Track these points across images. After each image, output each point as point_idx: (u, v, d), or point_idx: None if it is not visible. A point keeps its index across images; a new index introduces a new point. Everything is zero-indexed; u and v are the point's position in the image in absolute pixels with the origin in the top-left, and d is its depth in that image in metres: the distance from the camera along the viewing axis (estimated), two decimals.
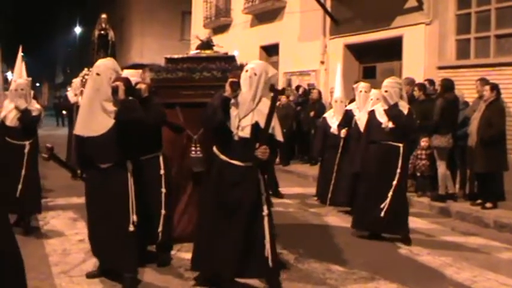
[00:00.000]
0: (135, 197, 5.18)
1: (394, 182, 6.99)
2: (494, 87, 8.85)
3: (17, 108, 7.11)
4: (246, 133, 4.83)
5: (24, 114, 7.11)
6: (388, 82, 7.22)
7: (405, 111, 7.11)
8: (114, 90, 5.03)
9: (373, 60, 14.71)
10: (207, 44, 7.18)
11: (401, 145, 7.07)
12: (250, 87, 4.88)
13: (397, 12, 13.08)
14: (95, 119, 5.11)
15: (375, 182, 7.16)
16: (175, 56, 7.01)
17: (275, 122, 4.87)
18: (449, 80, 9.78)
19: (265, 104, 4.85)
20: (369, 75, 14.92)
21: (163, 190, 5.80)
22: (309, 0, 15.53)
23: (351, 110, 8.80)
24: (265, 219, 4.87)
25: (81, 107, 5.42)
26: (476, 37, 11.43)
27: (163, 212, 5.78)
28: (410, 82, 10.30)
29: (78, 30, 52.37)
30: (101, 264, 5.44)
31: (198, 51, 7.10)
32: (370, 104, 7.76)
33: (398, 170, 7.02)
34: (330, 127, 9.17)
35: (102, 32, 15.49)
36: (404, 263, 6.32)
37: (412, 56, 12.72)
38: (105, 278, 5.38)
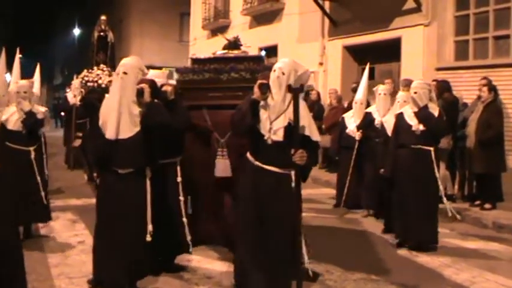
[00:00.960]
0: (152, 206, 4.92)
1: (441, 187, 6.97)
2: (492, 88, 8.87)
3: (21, 110, 6.75)
4: (279, 136, 4.53)
5: (28, 117, 6.74)
6: (417, 83, 7.08)
7: (435, 113, 6.94)
8: (140, 93, 4.79)
9: (372, 61, 14.71)
10: (234, 44, 6.87)
11: (431, 149, 6.91)
12: (280, 87, 4.55)
13: (396, 13, 13.11)
14: (123, 121, 4.81)
15: (408, 189, 6.89)
16: (202, 56, 6.76)
17: (309, 122, 4.62)
18: (444, 82, 9.81)
19: (301, 106, 4.50)
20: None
21: (182, 198, 5.61)
22: (308, 1, 15.56)
23: (370, 113, 8.68)
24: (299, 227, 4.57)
25: (110, 107, 4.88)
26: (474, 38, 11.47)
27: (185, 220, 5.60)
28: (409, 83, 10.28)
29: (77, 31, 52.32)
30: (96, 279, 5.06)
31: (225, 51, 6.78)
32: (398, 106, 7.55)
33: (437, 175, 6.92)
34: (346, 127, 9.01)
35: (102, 33, 15.50)
36: (403, 264, 6.32)
37: (411, 57, 12.75)
38: None
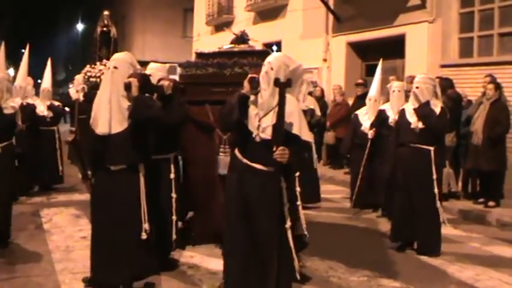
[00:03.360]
0: (147, 204, 4.81)
1: (435, 190, 6.48)
2: (498, 87, 8.84)
3: None
4: (267, 134, 4.30)
5: None
6: (420, 78, 6.69)
7: (437, 111, 6.53)
8: (127, 87, 4.67)
9: (376, 58, 14.67)
10: (241, 38, 6.74)
11: (431, 148, 6.49)
12: (268, 83, 4.33)
13: (400, 10, 13.06)
14: (114, 116, 4.72)
15: (406, 190, 6.60)
16: (206, 51, 6.64)
17: (300, 120, 4.36)
18: (446, 79, 9.79)
19: (289, 103, 4.31)
20: (372, 73, 14.89)
21: (174, 195, 5.56)
22: None
23: (384, 110, 8.27)
24: (289, 233, 4.38)
25: (101, 103, 4.83)
26: (479, 35, 11.43)
27: (174, 218, 5.56)
28: (413, 80, 10.26)
29: (80, 27, 52.33)
30: (94, 280, 4.98)
31: (232, 45, 6.68)
32: (395, 97, 7.20)
33: (435, 176, 6.48)
34: (360, 125, 8.68)
35: (105, 28, 15.48)
36: (407, 261, 6.31)
37: (415, 54, 12.71)
38: None
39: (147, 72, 5.71)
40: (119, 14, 31.14)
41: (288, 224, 4.36)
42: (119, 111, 4.72)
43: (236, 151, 4.53)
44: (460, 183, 9.71)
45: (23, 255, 6.12)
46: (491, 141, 8.68)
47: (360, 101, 12.25)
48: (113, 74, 4.79)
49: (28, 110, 8.38)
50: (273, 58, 4.43)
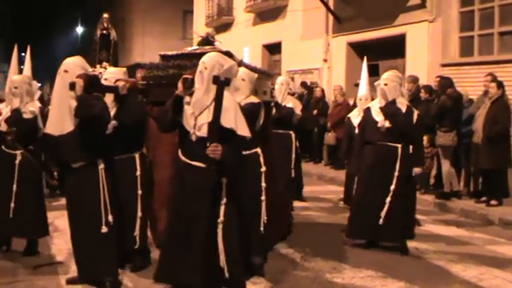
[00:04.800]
0: (109, 197, 5.02)
1: (392, 187, 6.34)
2: (500, 85, 8.84)
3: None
4: (203, 132, 4.41)
5: (12, 116, 6.11)
6: (388, 75, 6.57)
7: (403, 109, 6.45)
8: (72, 86, 4.86)
9: (377, 58, 14.69)
10: (206, 40, 6.87)
11: (399, 146, 6.39)
12: (202, 82, 4.46)
13: (400, 9, 13.06)
14: (64, 116, 4.95)
15: (372, 187, 6.50)
16: (169, 53, 6.73)
17: (236, 116, 4.45)
18: (446, 78, 9.79)
19: (225, 99, 4.40)
20: (372, 73, 14.88)
21: (139, 192, 5.58)
22: None
23: (369, 108, 7.96)
24: (219, 227, 4.42)
25: (51, 105, 5.24)
26: (479, 34, 11.42)
27: (139, 214, 5.57)
28: (414, 80, 10.27)
29: (79, 30, 52.37)
30: (80, 274, 5.18)
31: (197, 47, 6.82)
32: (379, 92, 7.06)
33: (396, 173, 6.35)
34: (354, 128, 8.25)
35: (104, 31, 15.43)
36: (410, 261, 6.30)
37: (416, 53, 12.71)
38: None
39: (105, 77, 5.83)
40: (118, 16, 31.15)
41: (221, 218, 4.43)
42: (70, 112, 4.92)
43: (178, 151, 4.65)
44: (462, 183, 9.70)
45: (26, 258, 6.10)
46: (490, 139, 8.66)
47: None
48: (63, 78, 5.01)
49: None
50: (206, 57, 4.56)
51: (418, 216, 7.94)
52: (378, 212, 6.39)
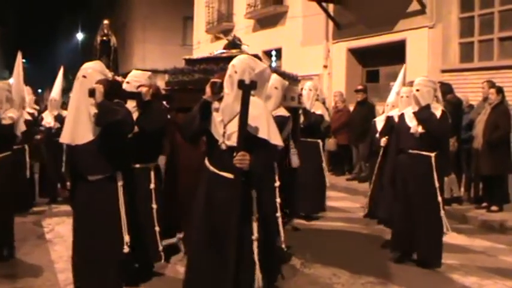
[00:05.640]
0: (127, 214, 4.63)
1: (439, 199, 6.17)
2: (500, 90, 8.85)
3: None
4: (233, 141, 4.02)
5: None
6: (420, 80, 6.37)
7: (438, 114, 6.21)
8: (91, 93, 4.47)
9: (377, 64, 14.72)
10: (233, 43, 6.62)
11: (432, 155, 6.18)
12: (232, 87, 4.09)
13: (400, 15, 13.07)
14: (83, 125, 4.58)
15: (406, 199, 6.27)
16: (194, 57, 6.48)
17: (268, 123, 4.09)
18: (446, 84, 9.78)
19: (256, 106, 4.07)
20: (372, 79, 14.93)
21: (154, 206, 5.47)
22: (311, 4, 15.54)
23: (392, 117, 7.60)
24: (255, 245, 4.05)
25: (69, 112, 4.82)
26: (479, 40, 11.43)
27: (157, 229, 5.46)
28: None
29: (80, 36, 52.45)
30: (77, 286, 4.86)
31: (224, 51, 6.55)
32: (403, 102, 6.85)
33: (437, 185, 6.15)
34: (376, 132, 8.10)
35: (104, 37, 15.48)
36: (411, 267, 6.28)
37: (416, 59, 12.70)
38: None
39: (128, 79, 5.67)
40: (118, 22, 31.23)
41: (255, 235, 4.06)
42: (89, 120, 4.57)
43: (206, 160, 4.28)
44: (462, 188, 9.69)
45: (26, 265, 6.10)
46: (490, 145, 8.66)
47: (361, 107, 12.29)
48: (82, 84, 4.66)
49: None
50: (237, 60, 4.21)
51: None
52: (414, 225, 6.23)
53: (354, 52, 15.14)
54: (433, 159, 6.18)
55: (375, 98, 13.12)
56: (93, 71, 4.73)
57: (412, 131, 6.24)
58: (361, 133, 11.33)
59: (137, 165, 5.35)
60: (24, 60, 8.89)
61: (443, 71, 11.84)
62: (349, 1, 14.81)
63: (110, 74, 5.01)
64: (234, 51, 6.40)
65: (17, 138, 6.25)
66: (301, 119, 8.14)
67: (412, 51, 12.87)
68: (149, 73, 5.87)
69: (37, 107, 11.12)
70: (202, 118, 4.12)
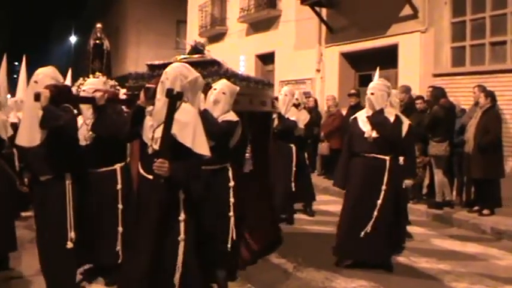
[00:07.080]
0: (74, 212, 4.86)
1: (379, 202, 6.03)
2: (489, 94, 8.89)
3: None
4: (159, 146, 4.17)
5: None
6: (375, 84, 6.34)
7: (391, 119, 6.20)
8: (36, 97, 4.64)
9: (369, 68, 14.75)
10: (196, 49, 6.65)
11: (387, 158, 6.11)
12: (163, 93, 4.17)
13: (393, 20, 13.12)
14: (34, 128, 4.77)
15: (360, 203, 6.15)
16: (156, 62, 6.55)
17: (195, 132, 4.15)
18: (439, 88, 9.84)
19: (186, 113, 4.18)
20: (365, 83, 14.94)
21: (120, 206, 5.42)
22: (304, 8, 15.59)
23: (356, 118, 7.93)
24: (181, 245, 4.18)
25: (22, 116, 5.08)
26: (471, 44, 11.48)
27: (120, 229, 5.41)
28: (407, 90, 10.31)
29: (73, 39, 52.41)
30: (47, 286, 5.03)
31: (185, 56, 6.59)
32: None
33: (384, 187, 6.05)
34: None
35: (97, 41, 15.41)
36: (403, 270, 6.30)
37: (408, 63, 12.76)
38: None
39: (84, 88, 5.71)
40: (112, 26, 31.21)
41: (181, 236, 4.18)
42: (37, 124, 4.73)
43: (138, 164, 4.48)
44: (454, 192, 9.72)
45: (19, 270, 6.07)
46: (481, 149, 8.70)
47: (353, 111, 12.29)
48: (33, 88, 4.85)
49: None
50: (170, 68, 4.33)
51: (409, 227, 7.99)
52: (363, 228, 6.07)
53: (347, 56, 15.18)
54: (387, 163, 6.10)
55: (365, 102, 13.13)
56: (44, 76, 4.95)
57: (366, 135, 6.18)
58: None
59: (103, 169, 5.42)
60: (16, 63, 8.85)
61: (435, 75, 11.89)
62: (342, 5, 14.86)
63: (61, 79, 5.19)
64: (195, 56, 6.43)
65: (4, 143, 6.15)
66: (276, 123, 8.29)
67: (404, 55, 12.92)
68: (104, 79, 5.96)
69: None
70: (134, 123, 4.36)
